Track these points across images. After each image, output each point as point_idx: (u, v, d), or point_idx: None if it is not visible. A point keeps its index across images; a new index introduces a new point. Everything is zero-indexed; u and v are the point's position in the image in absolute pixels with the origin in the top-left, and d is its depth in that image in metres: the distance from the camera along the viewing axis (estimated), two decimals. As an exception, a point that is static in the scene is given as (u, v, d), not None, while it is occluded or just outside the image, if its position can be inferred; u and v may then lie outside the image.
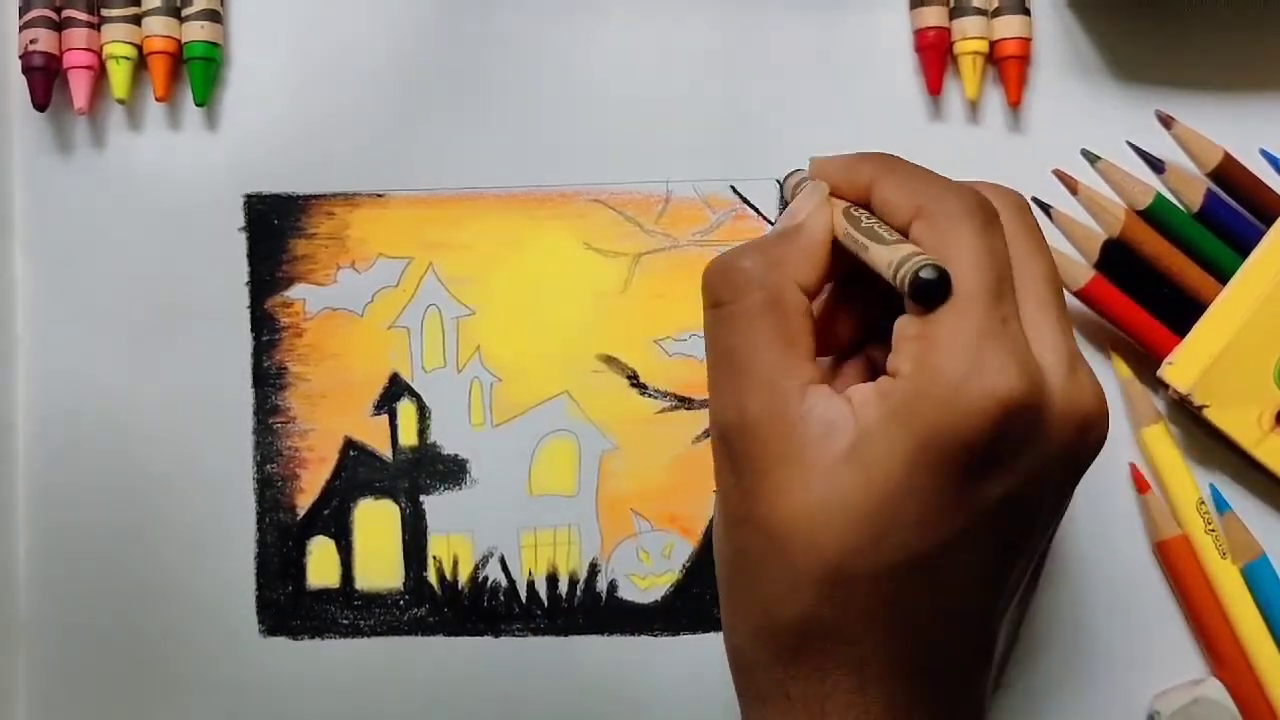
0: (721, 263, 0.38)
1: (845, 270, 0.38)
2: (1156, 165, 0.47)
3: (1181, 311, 0.46)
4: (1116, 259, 0.46)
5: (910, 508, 0.34)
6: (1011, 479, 0.34)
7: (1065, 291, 0.47)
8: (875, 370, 0.39)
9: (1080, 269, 0.46)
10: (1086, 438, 0.36)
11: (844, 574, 0.34)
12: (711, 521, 0.38)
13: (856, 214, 0.37)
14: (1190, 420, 0.47)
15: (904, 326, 0.35)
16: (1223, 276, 0.46)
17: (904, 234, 0.36)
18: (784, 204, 0.41)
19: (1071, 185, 0.46)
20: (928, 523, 0.34)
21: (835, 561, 0.34)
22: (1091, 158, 0.46)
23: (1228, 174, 0.46)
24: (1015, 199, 0.38)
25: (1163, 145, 0.47)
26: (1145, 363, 0.47)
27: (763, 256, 0.37)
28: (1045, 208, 0.46)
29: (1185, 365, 0.45)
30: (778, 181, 0.48)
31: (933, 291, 0.34)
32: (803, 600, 0.35)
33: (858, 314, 0.40)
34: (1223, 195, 0.47)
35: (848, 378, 0.40)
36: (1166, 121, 0.47)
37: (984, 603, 0.36)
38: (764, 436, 0.35)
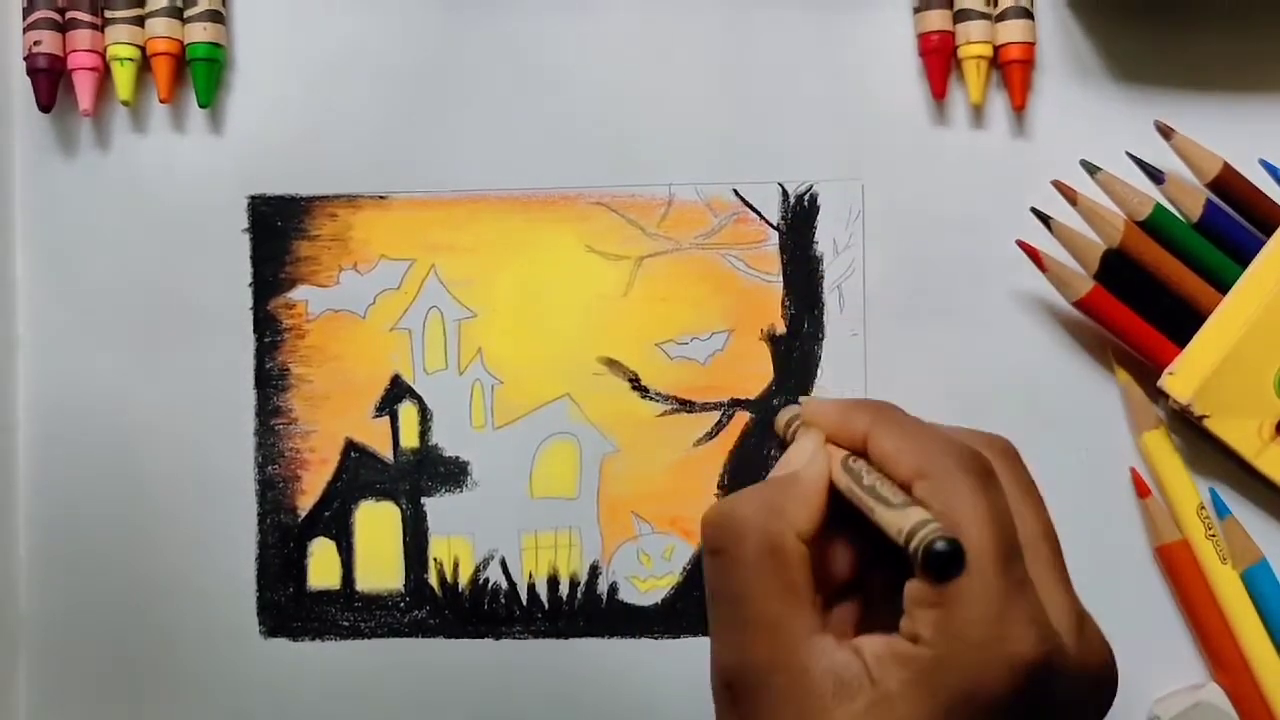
0: (719, 511, 0.38)
1: (837, 512, 0.39)
2: (1156, 176, 0.47)
3: (1181, 321, 0.46)
4: (1116, 269, 0.46)
5: None
6: None
7: (1065, 302, 0.48)
8: (868, 610, 0.39)
9: (1080, 279, 0.46)
10: (1100, 692, 0.37)
11: None
12: None
13: (856, 466, 0.38)
14: (1190, 428, 0.47)
15: (917, 591, 0.35)
16: (1222, 286, 0.46)
17: (905, 490, 0.36)
18: (778, 440, 0.42)
19: (1071, 196, 0.46)
20: None
21: None
22: (1091, 169, 0.46)
23: (1227, 184, 0.46)
24: (1003, 448, 0.38)
25: (1164, 152, 0.47)
26: (1146, 370, 0.47)
27: (760, 505, 0.37)
28: (1045, 219, 0.46)
29: (1186, 376, 0.45)
30: (780, 185, 0.48)
31: (946, 564, 0.34)
32: None
33: (850, 553, 0.40)
34: (1222, 205, 0.47)
35: (840, 619, 0.39)
36: (1166, 132, 0.46)
37: None
38: (771, 686, 0.35)
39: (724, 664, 0.37)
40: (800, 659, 0.35)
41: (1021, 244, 0.46)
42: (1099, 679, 0.36)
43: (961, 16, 0.47)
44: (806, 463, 0.39)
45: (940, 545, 0.34)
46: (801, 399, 0.43)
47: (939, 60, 0.47)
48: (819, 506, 0.38)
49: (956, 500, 0.35)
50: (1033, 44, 0.47)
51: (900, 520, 0.35)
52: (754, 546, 0.37)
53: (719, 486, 0.48)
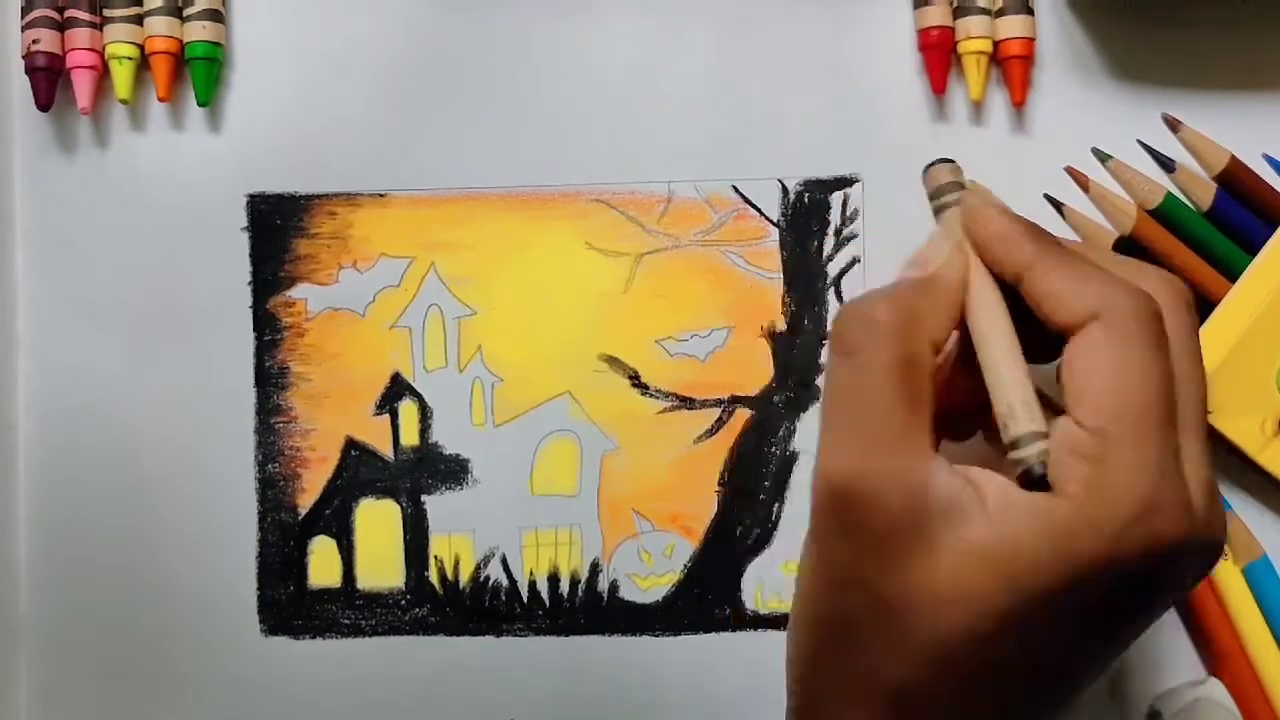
0: (855, 310, 0.36)
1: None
2: (1167, 164, 0.47)
3: (1194, 311, 0.46)
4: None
5: (1047, 618, 0.34)
6: (1151, 603, 0.35)
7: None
8: (959, 441, 0.38)
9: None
10: (1209, 562, 0.36)
11: (961, 657, 0.34)
12: (799, 567, 0.37)
13: (974, 321, 0.36)
14: (1192, 421, 0.47)
15: (1070, 437, 0.34)
16: (1233, 275, 0.46)
17: (1069, 331, 0.35)
18: (929, 198, 0.39)
19: (1083, 183, 0.46)
20: (1060, 632, 0.34)
21: (957, 648, 0.34)
22: (1102, 156, 0.46)
23: (1234, 177, 0.46)
24: (1180, 295, 0.37)
25: (1167, 147, 0.47)
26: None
27: (899, 308, 0.36)
28: (1058, 205, 0.46)
29: (1188, 372, 0.45)
30: (780, 181, 0.48)
31: (1040, 488, 0.34)
32: (914, 672, 0.34)
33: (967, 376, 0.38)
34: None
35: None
36: (1173, 125, 0.47)
37: (1082, 682, 0.36)
38: (884, 504, 0.34)
39: (836, 467, 0.35)
40: (920, 475, 0.34)
41: None
42: (1214, 552, 0.36)
43: (961, 12, 0.47)
44: (945, 265, 0.37)
45: (1039, 470, 0.34)
46: (968, 181, 0.39)
47: (939, 56, 0.47)
48: (955, 314, 0.36)
49: (1129, 350, 0.34)
50: (1033, 40, 0.47)
51: (1013, 422, 0.34)
52: (890, 352, 0.35)
53: (719, 484, 0.48)
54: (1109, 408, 0.34)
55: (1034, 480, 0.34)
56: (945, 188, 0.39)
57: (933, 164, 0.40)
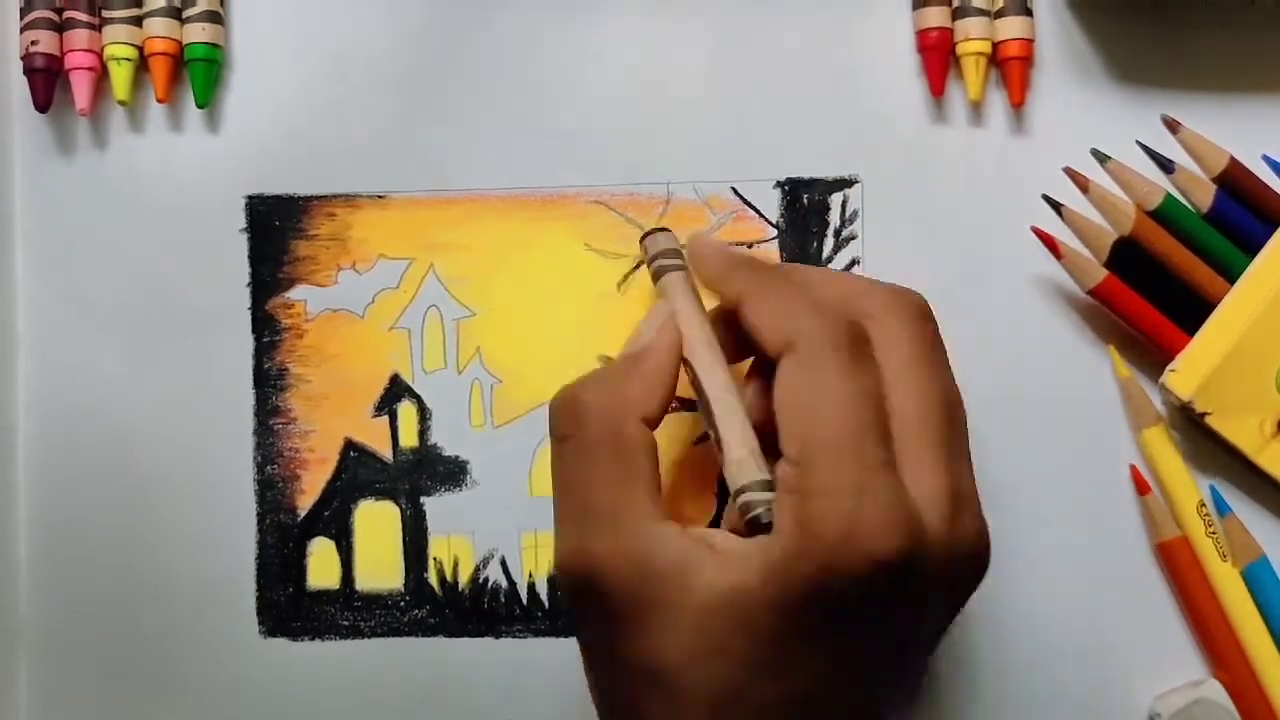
0: (565, 395, 0.38)
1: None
2: (1166, 165, 0.47)
3: (1192, 311, 0.46)
4: (1127, 258, 0.46)
5: (793, 655, 0.34)
6: (892, 622, 0.35)
7: (1064, 299, 0.48)
8: None
9: (1094, 267, 0.46)
10: (968, 574, 0.36)
11: (730, 708, 0.34)
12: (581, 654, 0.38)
13: (693, 368, 0.37)
14: (1191, 425, 0.47)
15: (781, 475, 0.35)
16: (1232, 276, 0.46)
17: (775, 361, 0.35)
18: (647, 264, 0.41)
19: (1083, 184, 0.46)
20: (809, 665, 0.34)
21: (721, 700, 0.34)
22: (1101, 157, 0.46)
23: (1234, 179, 0.46)
24: (911, 307, 0.38)
25: (1166, 148, 0.47)
26: (1149, 364, 0.47)
27: (604, 389, 0.37)
28: (1056, 205, 0.46)
29: (1187, 373, 0.45)
30: (779, 182, 0.48)
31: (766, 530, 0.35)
32: None
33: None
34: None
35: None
36: (1173, 126, 0.47)
37: (868, 702, 0.37)
38: (617, 580, 0.35)
39: (565, 554, 0.36)
40: (640, 545, 0.35)
41: (1037, 230, 0.46)
42: (968, 564, 0.36)
43: (960, 13, 0.47)
44: (656, 338, 0.38)
45: (764, 519, 0.35)
46: (686, 235, 0.41)
47: (937, 57, 0.47)
48: (665, 387, 0.37)
49: (820, 375, 0.35)
50: (1031, 41, 0.47)
51: (734, 472, 0.36)
52: (595, 432, 0.36)
53: (719, 485, 0.48)
54: (802, 437, 0.34)
55: (760, 527, 0.35)
56: (663, 254, 0.41)
57: (649, 233, 0.42)
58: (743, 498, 0.35)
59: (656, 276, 0.41)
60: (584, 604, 0.37)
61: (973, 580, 0.37)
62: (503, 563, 0.48)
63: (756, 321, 0.37)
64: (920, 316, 0.38)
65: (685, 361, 0.38)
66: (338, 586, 0.48)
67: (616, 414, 0.36)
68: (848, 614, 0.34)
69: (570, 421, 0.37)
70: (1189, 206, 0.47)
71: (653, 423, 0.37)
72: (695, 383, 0.38)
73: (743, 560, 0.34)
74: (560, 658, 0.48)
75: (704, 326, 0.39)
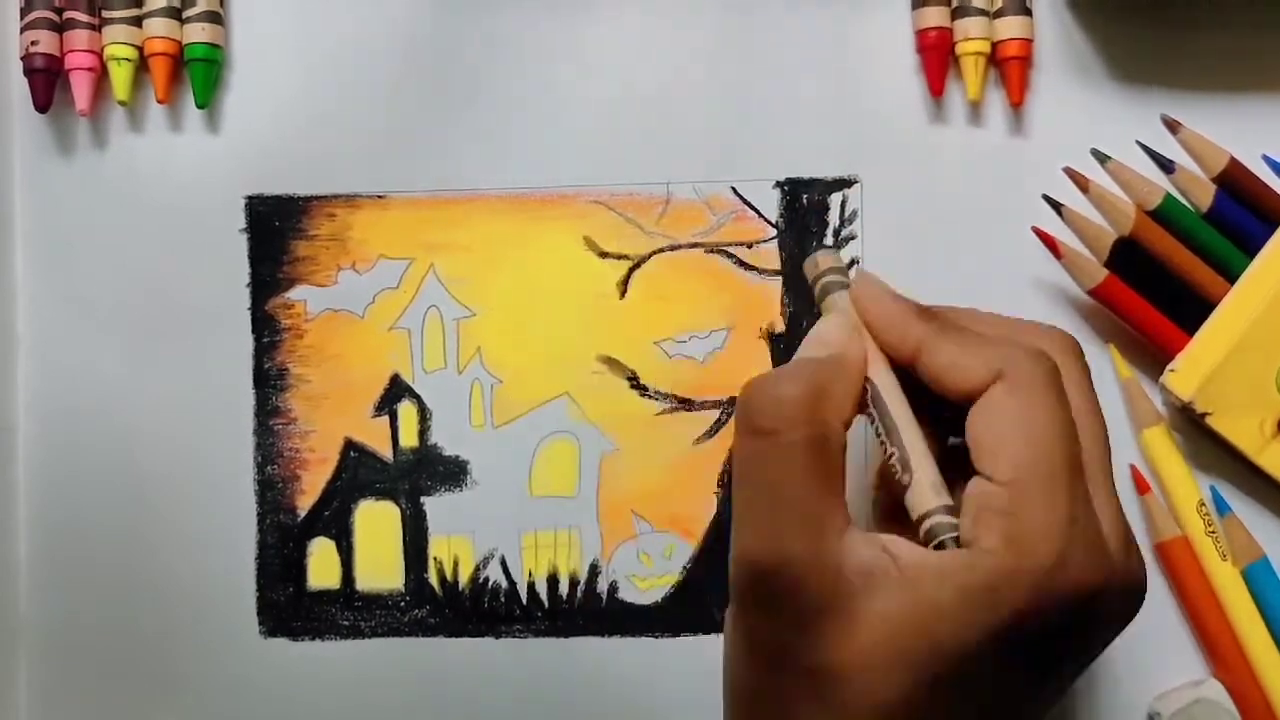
0: (765, 389, 0.36)
1: None
2: (1166, 165, 0.47)
3: (1192, 311, 0.46)
4: (1127, 258, 0.46)
5: (980, 674, 0.34)
6: (1076, 650, 0.36)
7: (1063, 299, 0.48)
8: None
9: (1094, 267, 0.46)
10: (1132, 609, 0.37)
11: (897, 718, 0.34)
12: (725, 639, 0.38)
13: (875, 400, 0.38)
14: (1191, 425, 0.47)
15: (983, 494, 0.35)
16: (1232, 276, 0.46)
17: (972, 397, 0.36)
18: (810, 282, 0.41)
19: (1083, 183, 0.46)
20: (994, 687, 0.35)
21: (892, 710, 0.34)
22: (1101, 157, 0.46)
23: (1233, 178, 0.46)
24: (1070, 346, 0.38)
25: (1166, 148, 0.47)
26: (1149, 364, 0.47)
27: (808, 387, 0.36)
28: (1056, 205, 0.46)
29: (1188, 373, 0.45)
30: (778, 182, 0.48)
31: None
32: None
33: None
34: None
35: None
36: (1173, 126, 0.47)
37: None
38: (805, 581, 0.35)
39: (753, 552, 0.36)
40: (835, 556, 0.35)
41: (1037, 231, 0.46)
42: (1136, 597, 0.37)
43: (959, 13, 0.47)
44: (847, 346, 0.38)
45: (949, 544, 0.35)
46: (854, 269, 0.41)
47: (937, 57, 0.47)
48: (859, 393, 0.37)
49: (1034, 406, 0.35)
50: (1030, 40, 0.47)
51: (919, 498, 0.36)
52: (803, 433, 0.35)
53: (718, 485, 0.48)
54: (1019, 461, 0.35)
55: (943, 549, 0.35)
56: (829, 272, 0.40)
57: (816, 251, 0.42)
58: (929, 522, 0.35)
59: (823, 294, 0.40)
60: (763, 601, 0.36)
61: (1132, 613, 0.38)
62: (503, 562, 0.48)
63: (951, 360, 0.36)
64: (1080, 355, 0.38)
65: (867, 379, 0.38)
66: (338, 586, 0.48)
67: (822, 415, 0.36)
68: (1045, 641, 0.35)
69: (774, 418, 0.36)
70: (1189, 206, 0.47)
71: (848, 426, 0.37)
72: (876, 400, 0.37)
73: (935, 576, 0.34)
74: (561, 658, 0.48)
75: (873, 345, 0.39)
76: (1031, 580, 0.33)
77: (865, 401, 0.38)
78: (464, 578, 0.48)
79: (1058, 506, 0.34)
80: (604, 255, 0.48)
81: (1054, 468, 0.34)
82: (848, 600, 0.34)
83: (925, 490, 0.36)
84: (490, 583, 0.48)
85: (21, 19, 0.48)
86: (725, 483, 0.48)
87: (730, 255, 0.48)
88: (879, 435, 0.37)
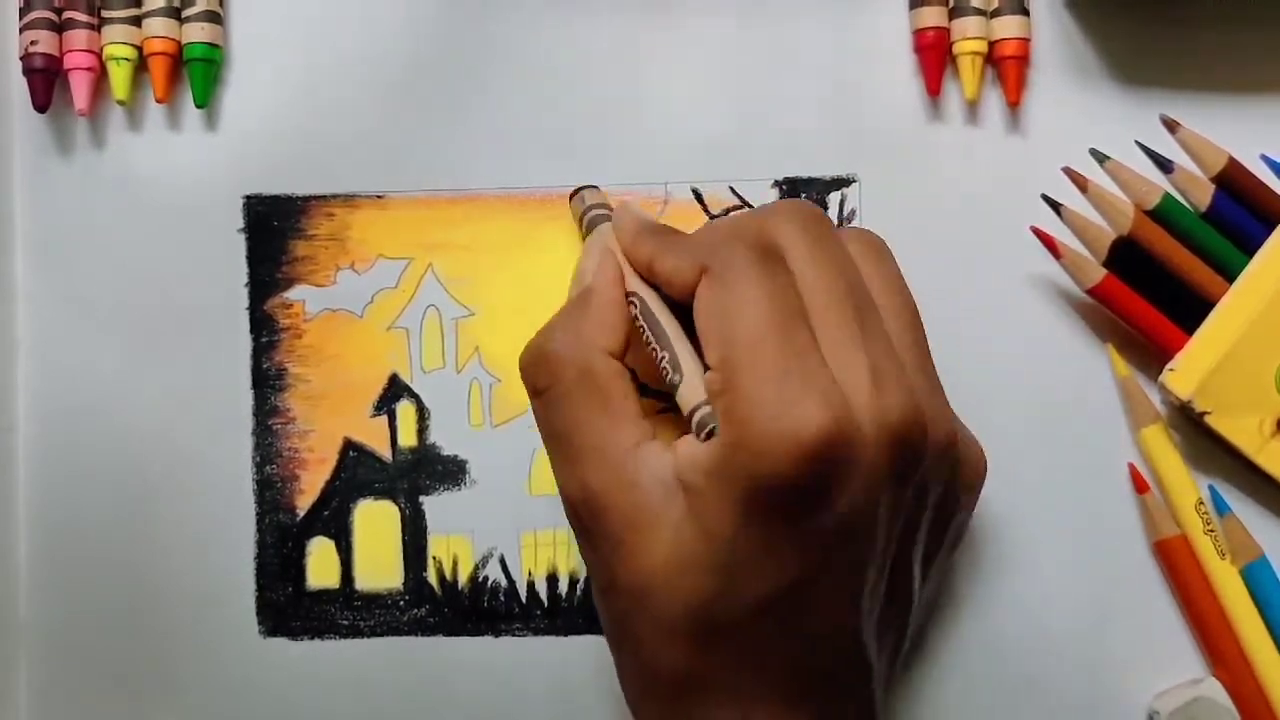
0: (532, 349, 0.40)
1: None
2: (1165, 165, 0.47)
3: (1191, 311, 0.46)
4: (1126, 257, 0.46)
5: (750, 555, 0.35)
6: (838, 507, 0.35)
7: (1062, 298, 0.48)
8: None
9: (1093, 267, 0.46)
10: (904, 446, 0.36)
11: (706, 623, 0.36)
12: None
13: (635, 306, 0.39)
14: (1189, 423, 0.47)
15: (708, 383, 0.36)
16: (1231, 276, 0.46)
17: (692, 292, 0.37)
18: (578, 220, 0.44)
19: (1081, 183, 0.46)
20: (769, 566, 0.35)
21: (695, 613, 0.36)
22: (1100, 157, 0.46)
23: (1232, 178, 0.46)
24: (802, 213, 0.39)
25: (1164, 148, 0.47)
26: (1147, 363, 0.47)
27: (565, 333, 0.39)
28: (1055, 205, 0.46)
29: (1186, 372, 0.45)
30: (776, 182, 0.48)
31: None
32: (675, 653, 0.37)
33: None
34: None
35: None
36: (1171, 126, 0.47)
37: (845, 620, 0.37)
38: (609, 506, 0.37)
39: (567, 495, 0.38)
40: (629, 474, 0.37)
41: (1036, 230, 0.46)
42: (897, 433, 0.36)
43: (957, 13, 0.47)
44: (598, 274, 0.40)
45: (717, 432, 0.36)
46: (613, 201, 0.44)
47: (934, 56, 0.47)
48: (618, 318, 0.39)
49: (736, 289, 0.36)
50: (1028, 40, 0.47)
51: (687, 394, 0.37)
52: (569, 377, 0.38)
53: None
54: (722, 341, 0.36)
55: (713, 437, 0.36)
56: (594, 207, 0.44)
57: (579, 189, 0.46)
58: (696, 416, 0.37)
59: (590, 228, 0.43)
60: (584, 535, 0.38)
61: (912, 454, 0.37)
62: (502, 562, 0.48)
63: (669, 266, 0.38)
64: (811, 216, 0.39)
65: (629, 294, 0.40)
66: (337, 586, 0.48)
67: (582, 354, 0.38)
68: (793, 500, 0.35)
69: (543, 374, 0.39)
70: (1188, 206, 0.47)
71: (617, 354, 0.39)
72: (643, 312, 0.39)
73: (690, 469, 0.36)
74: (560, 657, 0.48)
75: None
76: (751, 446, 0.34)
77: (635, 317, 0.39)
78: (463, 577, 0.48)
79: (765, 371, 0.35)
80: (603, 255, 0.48)
81: (757, 333, 0.35)
82: (648, 513, 0.36)
83: (693, 386, 0.37)
84: (490, 582, 0.48)
85: (20, 19, 0.48)
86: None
87: (729, 255, 0.48)
88: (649, 344, 0.39)
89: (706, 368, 0.37)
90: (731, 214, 0.41)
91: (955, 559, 0.47)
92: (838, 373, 0.36)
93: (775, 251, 0.37)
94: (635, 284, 0.40)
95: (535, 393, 0.39)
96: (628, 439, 0.37)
